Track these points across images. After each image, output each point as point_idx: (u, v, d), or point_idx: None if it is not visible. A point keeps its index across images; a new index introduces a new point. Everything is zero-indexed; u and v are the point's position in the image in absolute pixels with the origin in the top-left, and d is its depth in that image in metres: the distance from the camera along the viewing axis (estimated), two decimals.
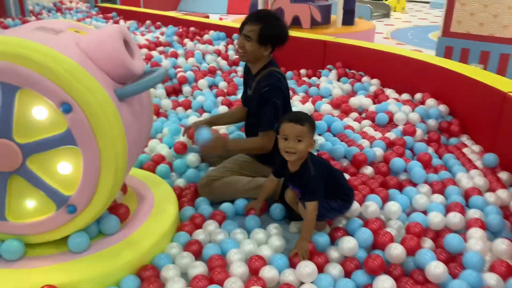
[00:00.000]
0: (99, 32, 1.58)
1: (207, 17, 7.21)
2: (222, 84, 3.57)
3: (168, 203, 1.92)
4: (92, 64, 1.50)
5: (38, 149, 1.46)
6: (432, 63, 3.06)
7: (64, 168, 1.50)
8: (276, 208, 2.01)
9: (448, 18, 3.79)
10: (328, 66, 3.83)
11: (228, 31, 4.82)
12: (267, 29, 2.00)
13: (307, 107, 2.97)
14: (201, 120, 2.37)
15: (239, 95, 3.34)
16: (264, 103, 2.02)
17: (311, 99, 3.20)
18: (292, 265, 1.63)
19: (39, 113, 1.43)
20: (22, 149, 1.45)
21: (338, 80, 3.62)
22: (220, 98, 3.26)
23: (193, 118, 2.90)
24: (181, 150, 2.41)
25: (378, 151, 2.39)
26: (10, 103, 1.40)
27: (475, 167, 2.32)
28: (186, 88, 3.51)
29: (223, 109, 3.05)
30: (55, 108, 1.41)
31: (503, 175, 2.22)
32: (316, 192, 1.70)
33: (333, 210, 1.81)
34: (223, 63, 4.12)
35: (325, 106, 2.98)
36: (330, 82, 3.48)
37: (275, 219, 2.00)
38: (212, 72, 3.85)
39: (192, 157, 2.36)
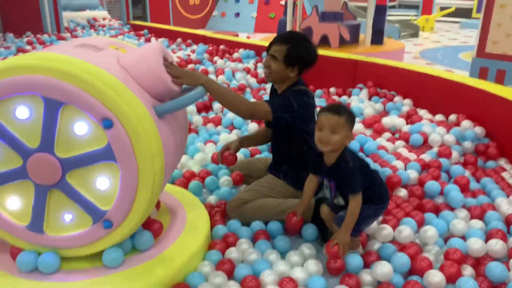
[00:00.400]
0: (140, 49, 1.61)
1: (237, 35, 7.30)
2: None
3: (200, 220, 1.91)
4: (132, 81, 1.52)
5: (78, 164, 1.48)
6: (467, 84, 3.00)
7: (102, 183, 1.51)
8: (308, 229, 1.98)
9: (483, 39, 3.72)
10: (359, 85, 3.81)
11: (257, 49, 4.86)
12: (294, 50, 1.98)
13: None
14: (231, 142, 2.30)
15: None
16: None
17: None
18: (332, 254, 1.64)
19: (80, 129, 1.45)
20: (62, 164, 1.47)
21: (369, 99, 3.59)
22: None
23: (223, 135, 2.91)
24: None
25: (413, 174, 2.33)
26: (53, 118, 1.43)
27: None
28: (216, 105, 3.54)
29: (253, 126, 3.06)
30: (96, 123, 1.43)
31: None
32: (357, 183, 1.65)
33: (368, 218, 1.76)
34: (252, 80, 4.14)
35: (357, 126, 2.94)
36: (361, 101, 3.45)
37: (307, 240, 1.96)
38: (241, 89, 3.88)
39: (224, 180, 2.35)
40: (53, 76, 1.39)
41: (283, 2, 10.46)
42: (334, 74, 3.99)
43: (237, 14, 10.55)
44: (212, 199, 2.23)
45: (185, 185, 2.29)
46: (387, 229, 1.88)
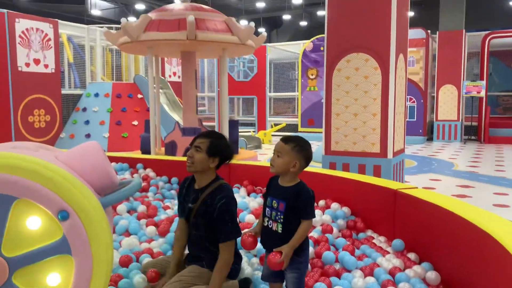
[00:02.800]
0: (80, 147, 1.71)
1: None
2: (141, 208, 3.63)
3: None
4: (77, 175, 1.60)
5: (28, 261, 1.44)
6: (330, 174, 3.63)
7: (53, 279, 1.47)
8: None
9: (328, 140, 4.57)
10: (236, 185, 4.20)
11: (129, 161, 4.98)
12: (215, 143, 2.27)
13: None
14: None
15: (161, 216, 3.44)
16: (223, 215, 2.17)
17: None
18: (274, 265, 1.86)
19: (33, 223, 1.44)
20: (9, 264, 1.42)
21: (248, 195, 3.98)
22: (143, 221, 3.32)
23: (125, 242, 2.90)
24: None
25: (310, 249, 2.68)
26: (4, 215, 1.41)
27: (388, 252, 2.75)
28: None
29: (150, 230, 3.11)
30: (50, 216, 1.45)
31: (411, 255, 2.68)
32: (313, 210, 1.93)
33: (306, 264, 2.01)
34: None
35: (249, 216, 3.25)
36: (243, 197, 3.81)
37: None
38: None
39: (139, 279, 2.35)
40: (7, 172, 1.40)
41: (135, 122, 10.83)
42: None
43: (88, 135, 10.47)
44: None
45: None
46: None
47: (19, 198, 1.42)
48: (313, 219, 3.05)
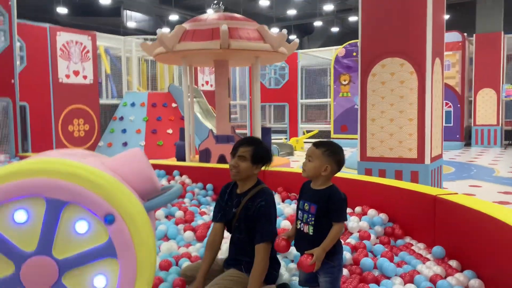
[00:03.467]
0: (125, 153, 1.77)
1: None
2: (179, 213, 3.70)
3: None
4: (122, 180, 1.66)
5: (77, 264, 1.50)
6: (366, 181, 3.59)
7: (100, 281, 1.53)
8: None
9: (363, 146, 4.53)
10: None
11: (165, 168, 5.08)
12: (258, 150, 2.32)
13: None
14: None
15: (198, 221, 3.49)
16: (261, 216, 2.22)
17: None
18: (306, 267, 1.84)
19: (81, 227, 1.51)
20: (59, 265, 1.48)
21: (283, 201, 3.98)
22: (181, 226, 3.38)
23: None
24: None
25: (347, 255, 2.66)
26: (55, 218, 1.47)
27: (428, 259, 2.69)
28: None
29: (187, 235, 3.17)
30: (97, 220, 1.51)
31: (453, 263, 2.61)
32: (345, 213, 1.94)
33: (339, 268, 1.98)
34: None
35: (284, 222, 3.26)
36: (278, 203, 3.81)
37: None
38: None
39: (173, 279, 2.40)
40: (58, 178, 1.47)
41: (169, 131, 11.05)
42: None
43: (125, 144, 10.75)
44: None
45: None
46: None
47: (69, 203, 1.48)
48: (350, 226, 3.07)
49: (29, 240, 1.46)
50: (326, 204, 1.93)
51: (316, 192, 1.99)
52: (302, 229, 2.00)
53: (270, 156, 2.38)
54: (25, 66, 9.24)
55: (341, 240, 2.05)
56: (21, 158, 7.01)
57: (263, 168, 2.37)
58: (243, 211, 2.30)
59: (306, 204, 2.00)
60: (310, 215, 1.97)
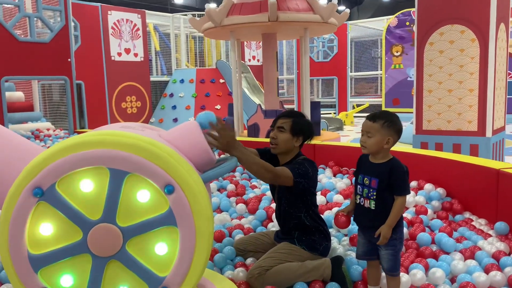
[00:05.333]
0: (181, 126, 1.79)
1: None
2: (230, 187, 3.75)
3: None
4: (180, 152, 1.68)
5: (139, 231, 1.54)
6: (423, 154, 3.46)
7: (161, 249, 1.57)
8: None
9: (419, 119, 4.35)
10: (321, 166, 4.17)
11: None
12: (298, 122, 2.27)
13: (319, 199, 3.20)
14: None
15: (249, 194, 3.52)
16: (294, 164, 2.20)
17: (319, 192, 3.43)
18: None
19: (142, 196, 1.55)
20: (123, 233, 1.53)
21: (334, 175, 3.93)
22: (233, 199, 3.43)
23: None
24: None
25: (404, 230, 2.59)
26: (118, 188, 1.52)
27: (490, 235, 2.57)
28: None
29: (240, 207, 3.21)
30: (158, 190, 1.54)
31: None
32: (407, 186, 1.86)
33: (401, 241, 1.92)
34: None
35: (337, 197, 3.22)
36: (329, 178, 3.77)
37: None
38: None
39: (228, 250, 2.45)
40: (120, 149, 1.51)
41: (218, 107, 11.16)
42: None
43: (175, 119, 10.99)
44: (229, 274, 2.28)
45: None
46: (404, 276, 2.06)
47: (130, 173, 1.52)
48: (406, 200, 2.97)
49: (95, 208, 1.52)
50: (388, 177, 1.86)
51: (377, 166, 1.91)
52: (362, 203, 1.95)
53: (311, 129, 2.32)
54: (79, 45, 9.58)
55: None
56: (79, 134, 7.35)
57: (306, 142, 2.33)
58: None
59: (366, 178, 1.93)
60: (371, 190, 1.90)
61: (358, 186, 1.99)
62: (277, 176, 2.10)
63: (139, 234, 1.54)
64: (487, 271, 2.14)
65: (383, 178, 1.87)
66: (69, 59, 7.36)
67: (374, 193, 1.89)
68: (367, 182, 1.93)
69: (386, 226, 1.84)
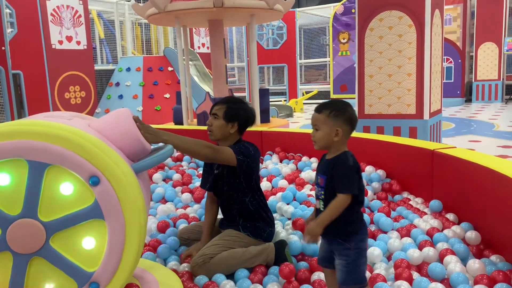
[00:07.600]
0: (112, 113, 1.71)
1: None
2: (176, 176, 3.68)
3: (172, 281, 1.92)
4: (108, 141, 1.61)
5: (63, 226, 1.47)
6: (363, 138, 3.54)
7: (88, 243, 1.51)
8: (274, 271, 2.10)
9: (361, 103, 4.45)
10: (268, 152, 4.18)
11: None
12: (232, 108, 2.25)
13: (265, 185, 3.21)
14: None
15: (196, 183, 3.48)
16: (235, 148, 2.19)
17: (265, 178, 3.44)
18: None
19: (66, 189, 1.47)
20: (46, 228, 1.45)
21: (281, 161, 3.95)
22: (179, 188, 3.37)
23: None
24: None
25: None
26: (38, 181, 1.43)
27: (425, 213, 2.68)
28: None
29: (185, 196, 3.16)
30: (82, 182, 1.47)
31: (450, 216, 2.60)
32: (350, 184, 1.59)
33: (364, 251, 1.68)
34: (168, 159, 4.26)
35: (282, 182, 3.23)
36: (275, 163, 3.78)
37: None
38: (161, 167, 3.96)
39: (172, 240, 2.41)
40: (39, 140, 1.42)
41: (167, 95, 10.93)
42: None
43: None
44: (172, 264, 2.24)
45: None
46: None
47: (51, 165, 1.44)
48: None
49: (13, 203, 1.43)
50: (332, 173, 1.63)
51: (327, 162, 1.68)
52: (316, 205, 1.74)
53: (248, 114, 2.30)
54: (16, 33, 9.03)
55: (364, 220, 1.72)
56: None
57: (249, 128, 2.32)
58: (224, 168, 2.27)
59: (318, 176, 1.71)
60: (320, 189, 1.68)
61: (315, 186, 1.76)
62: (217, 152, 2.08)
63: (64, 228, 1.47)
64: (421, 247, 2.22)
65: (329, 175, 1.64)
66: (3, 48, 6.91)
67: (322, 192, 1.67)
68: (318, 181, 1.70)
69: (314, 222, 1.61)
